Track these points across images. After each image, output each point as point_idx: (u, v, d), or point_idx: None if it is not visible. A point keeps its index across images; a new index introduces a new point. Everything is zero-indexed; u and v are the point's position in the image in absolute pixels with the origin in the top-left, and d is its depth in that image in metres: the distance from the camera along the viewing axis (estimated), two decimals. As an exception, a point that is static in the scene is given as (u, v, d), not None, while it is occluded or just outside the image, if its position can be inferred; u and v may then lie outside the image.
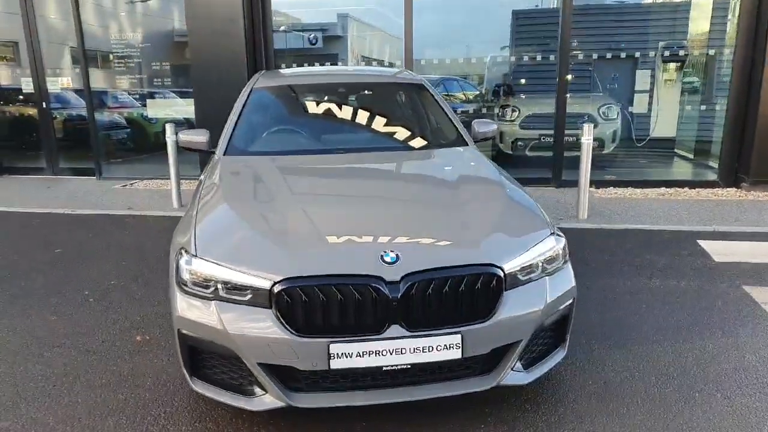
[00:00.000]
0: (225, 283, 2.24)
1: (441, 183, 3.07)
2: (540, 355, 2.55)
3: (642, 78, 9.28)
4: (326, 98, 4.08)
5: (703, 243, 4.89)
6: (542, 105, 8.53)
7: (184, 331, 2.32)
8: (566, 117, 7.45)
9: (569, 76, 10.06)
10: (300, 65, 8.55)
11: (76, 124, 9.29)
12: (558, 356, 2.60)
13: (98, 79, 9.36)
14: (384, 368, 2.22)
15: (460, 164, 3.35)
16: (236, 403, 2.30)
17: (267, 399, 2.27)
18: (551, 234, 2.59)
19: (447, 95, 9.84)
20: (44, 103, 8.69)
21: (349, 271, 2.19)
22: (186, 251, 2.41)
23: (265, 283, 2.18)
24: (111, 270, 4.48)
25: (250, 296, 2.20)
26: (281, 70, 4.59)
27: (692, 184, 7.24)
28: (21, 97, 9.13)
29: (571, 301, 2.57)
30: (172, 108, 9.31)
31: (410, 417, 2.51)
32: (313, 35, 15.05)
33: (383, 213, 2.68)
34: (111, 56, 8.95)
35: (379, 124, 3.84)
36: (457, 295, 2.23)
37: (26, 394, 2.75)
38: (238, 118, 3.74)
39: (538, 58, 9.10)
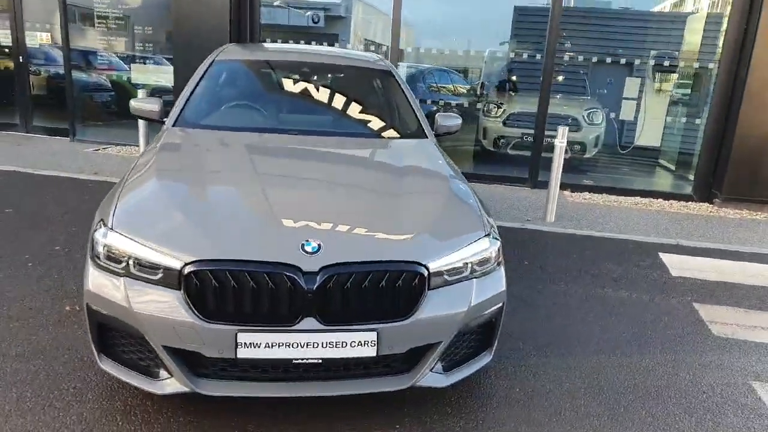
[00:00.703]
0: (137, 260, 2.15)
1: (384, 175, 2.98)
2: (463, 359, 2.49)
3: (631, 85, 9.19)
4: (288, 77, 3.96)
5: (664, 256, 4.85)
6: (527, 104, 8.44)
7: (93, 307, 2.23)
8: (550, 118, 7.38)
9: (561, 77, 9.99)
10: (296, 43, 8.38)
11: (58, 83, 9.07)
12: (482, 361, 2.55)
13: (85, 38, 9.11)
14: (294, 361, 2.15)
15: (411, 157, 3.26)
16: (141, 384, 2.23)
17: (172, 383, 2.19)
18: (486, 236, 2.52)
19: (436, 86, 9.74)
20: (21, 57, 8.49)
21: (264, 257, 2.11)
22: (104, 223, 2.32)
23: (175, 263, 2.10)
24: (59, 236, 4.37)
25: (160, 276, 2.12)
26: (248, 44, 4.47)
27: (667, 196, 7.21)
28: (-1, 49, 8.91)
29: (500, 305, 2.51)
30: (158, 74, 9.09)
31: (326, 410, 2.45)
32: (315, 14, 14.83)
33: (316, 199, 2.59)
34: (100, 15, 8.71)
35: (338, 108, 3.74)
36: (377, 291, 2.16)
37: (-64, 358, 2.66)
38: (193, 90, 3.62)
39: (531, 56, 9.01)
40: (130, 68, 9.08)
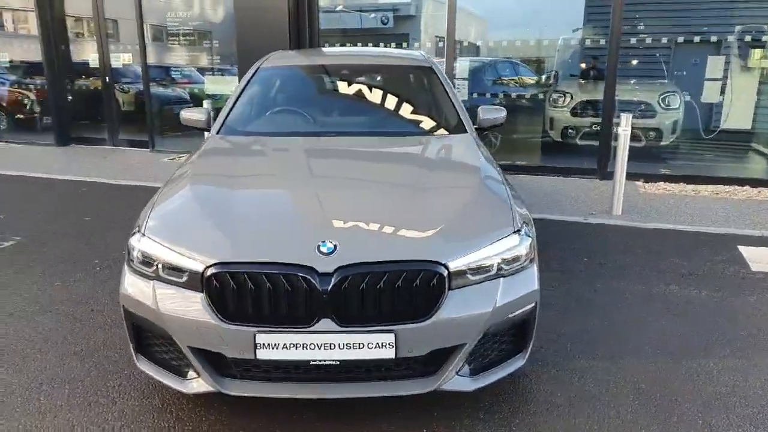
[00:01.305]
0: (165, 263, 2.23)
1: (412, 172, 2.91)
2: (493, 362, 2.39)
3: (715, 65, 8.51)
4: (327, 80, 3.99)
5: (743, 249, 4.45)
6: (596, 91, 8.04)
7: (128, 309, 2.34)
8: (621, 104, 6.99)
9: (635, 61, 9.44)
10: (366, 45, 8.41)
11: (142, 99, 9.68)
12: (515, 365, 2.43)
13: (165, 55, 9.64)
14: (312, 362, 2.15)
15: (444, 153, 3.18)
16: (171, 383, 2.31)
17: (199, 383, 2.26)
18: (515, 232, 2.40)
19: (501, 79, 9.48)
20: (107, 78, 9.13)
21: (280, 259, 2.13)
22: (139, 229, 2.42)
23: (198, 266, 2.15)
24: (126, 241, 4.63)
25: (186, 278, 2.18)
26: (293, 51, 4.53)
27: (755, 183, 6.61)
28: (89, 71, 9.60)
29: (531, 306, 2.38)
30: (231, 84, 9.49)
31: (351, 412, 2.43)
32: (384, 15, 14.90)
33: (338, 199, 2.57)
34: (174, 33, 9.20)
35: (378, 108, 3.72)
36: (394, 291, 2.11)
37: (3, 356, 2.89)
38: (238, 98, 3.73)
39: (602, 42, 8.56)
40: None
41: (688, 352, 2.96)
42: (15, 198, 6.06)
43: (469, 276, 2.23)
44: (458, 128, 3.57)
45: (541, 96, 9.24)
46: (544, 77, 9.69)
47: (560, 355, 2.93)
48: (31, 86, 10.45)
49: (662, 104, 8.07)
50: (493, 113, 3.73)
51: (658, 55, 9.33)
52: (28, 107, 10.58)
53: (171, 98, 10.05)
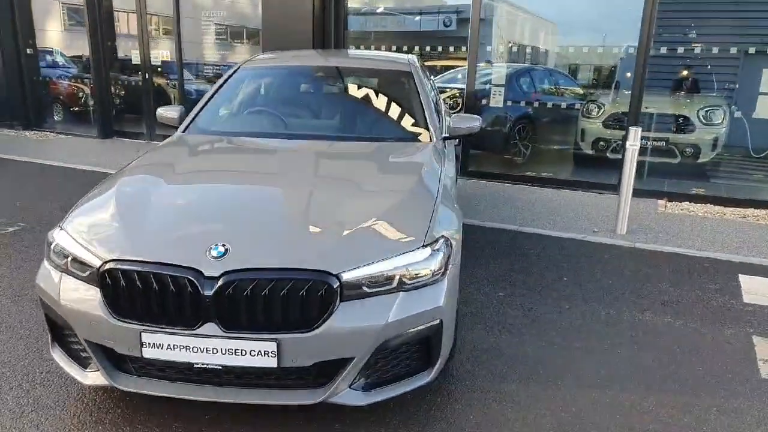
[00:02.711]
0: (74, 257, 2.30)
1: (346, 179, 2.87)
2: (394, 377, 2.33)
3: (771, 77, 7.94)
4: (305, 83, 4.00)
5: (744, 278, 4.12)
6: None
7: (42, 299, 2.42)
8: (659, 118, 6.63)
9: (685, 72, 8.94)
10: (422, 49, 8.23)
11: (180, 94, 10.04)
12: (417, 382, 2.35)
13: (206, 51, 9.97)
14: (195, 365, 2.15)
15: (391, 160, 3.12)
16: (73, 374, 2.37)
17: (96, 375, 2.31)
18: (424, 246, 2.32)
19: (537, 87, 9.19)
20: (146, 74, 9.53)
21: (168, 260, 2.15)
22: (60, 223, 2.51)
23: (96, 262, 2.21)
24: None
25: (87, 273, 2.24)
26: (276, 52, 4.56)
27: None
28: (132, 66, 10.05)
29: (435, 322, 2.30)
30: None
31: (252, 416, 2.42)
32: (446, 17, 14.78)
33: (250, 203, 2.57)
34: (213, 30, 9.51)
35: (347, 112, 3.70)
36: (279, 300, 2.09)
37: None
38: (211, 97, 3.80)
39: (663, 51, 8.12)
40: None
41: (631, 386, 2.77)
42: (36, 187, 6.42)
43: (364, 288, 2.18)
44: (421, 135, 3.49)
45: (578, 106, 8.92)
46: (582, 86, 9.35)
47: (491, 377, 2.81)
48: (87, 80, 11.05)
49: (702, 119, 7.60)
50: (465, 122, 3.64)
51: (709, 66, 8.83)
52: (82, 100, 11.20)
53: (203, 93, 10.34)
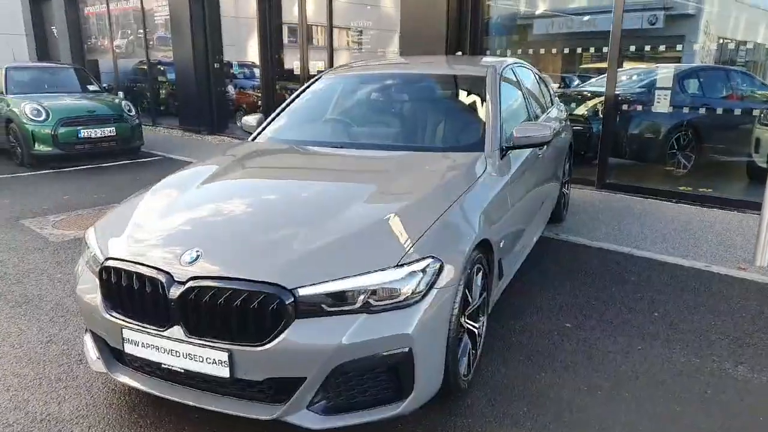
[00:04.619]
0: (93, 253, 2.56)
1: (357, 192, 2.74)
2: (359, 404, 2.20)
3: None
4: (370, 92, 3.96)
5: None
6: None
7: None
8: None
9: None
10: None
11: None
12: (386, 412, 2.21)
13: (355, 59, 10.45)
14: (163, 366, 2.25)
15: (416, 172, 2.95)
16: (88, 358, 2.59)
17: (100, 363, 2.53)
18: (397, 266, 2.16)
19: (712, 90, 7.91)
20: (304, 83, 10.26)
21: (148, 261, 2.28)
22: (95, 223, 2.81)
23: (101, 258, 2.44)
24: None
25: (97, 269, 2.48)
26: (360, 61, 4.56)
27: None
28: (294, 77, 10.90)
29: (404, 350, 2.13)
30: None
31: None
32: (652, 15, 13.65)
33: (242, 212, 2.60)
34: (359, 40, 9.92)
35: (401, 122, 3.62)
36: (233, 310, 2.11)
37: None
38: (286, 106, 3.96)
39: None
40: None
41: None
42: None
43: (323, 306, 2.10)
44: (476, 146, 3.24)
45: (756, 112, 7.51)
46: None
47: (501, 418, 2.50)
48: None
49: None
50: (529, 132, 3.28)
51: None
52: (261, 108, 12.46)
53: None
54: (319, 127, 3.84)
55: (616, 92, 6.79)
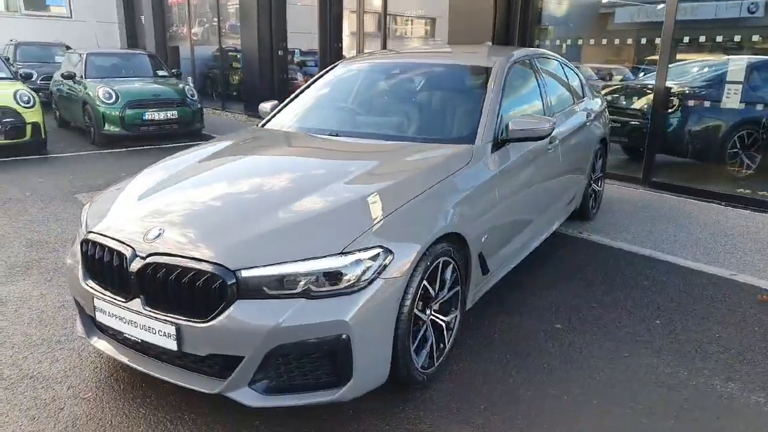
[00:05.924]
0: (85, 226, 2.76)
1: (333, 179, 2.76)
2: (299, 387, 2.26)
3: None
4: (375, 82, 3.96)
5: None
6: None
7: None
8: None
9: None
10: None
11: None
12: (323, 397, 2.26)
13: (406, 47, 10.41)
14: (124, 335, 2.41)
15: (401, 162, 2.94)
16: (77, 322, 2.81)
17: (80, 328, 2.72)
18: (342, 254, 2.19)
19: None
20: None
21: (117, 236, 2.43)
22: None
23: (83, 232, 2.63)
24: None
25: (80, 240, 2.67)
26: (375, 51, 4.55)
27: None
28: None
29: (341, 335, 2.17)
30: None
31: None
32: (752, 3, 12.82)
33: (213, 195, 2.69)
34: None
35: (399, 111, 3.61)
36: (183, 287, 2.22)
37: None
38: (299, 94, 4.04)
39: None
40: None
41: None
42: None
43: (265, 289, 2.18)
44: (467, 138, 3.19)
45: None
46: None
47: (454, 413, 2.48)
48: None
49: None
50: (525, 125, 3.18)
51: None
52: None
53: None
54: (318, 115, 3.89)
55: (667, 85, 6.38)
